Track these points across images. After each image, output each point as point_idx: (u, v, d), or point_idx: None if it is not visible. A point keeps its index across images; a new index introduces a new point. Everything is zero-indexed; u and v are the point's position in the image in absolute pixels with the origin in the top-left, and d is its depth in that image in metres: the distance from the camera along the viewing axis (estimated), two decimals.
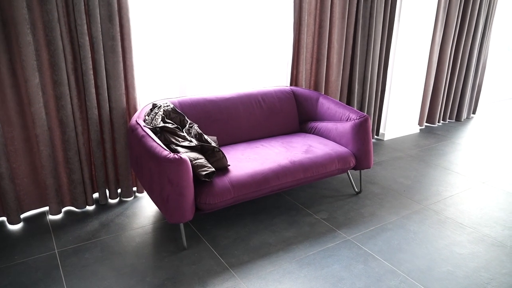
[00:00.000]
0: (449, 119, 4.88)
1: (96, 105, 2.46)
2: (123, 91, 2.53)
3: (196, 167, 2.14)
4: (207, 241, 2.27)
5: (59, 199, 2.51)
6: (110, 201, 2.72)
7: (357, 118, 2.69)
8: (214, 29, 3.02)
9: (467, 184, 3.04)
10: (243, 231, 2.38)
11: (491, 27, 4.69)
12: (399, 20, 3.73)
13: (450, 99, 4.68)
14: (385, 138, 4.09)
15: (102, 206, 2.65)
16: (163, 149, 2.03)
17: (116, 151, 2.63)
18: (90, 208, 2.62)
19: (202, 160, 2.19)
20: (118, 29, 2.39)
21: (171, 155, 1.98)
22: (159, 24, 2.76)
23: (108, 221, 2.46)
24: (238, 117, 2.84)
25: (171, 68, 2.90)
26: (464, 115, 4.93)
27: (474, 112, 5.15)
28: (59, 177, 2.48)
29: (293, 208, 2.65)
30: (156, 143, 2.10)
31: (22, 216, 2.49)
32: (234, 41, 3.16)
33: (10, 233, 2.31)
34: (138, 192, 2.83)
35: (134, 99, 2.61)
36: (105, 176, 2.66)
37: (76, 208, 2.58)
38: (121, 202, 2.71)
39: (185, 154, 2.17)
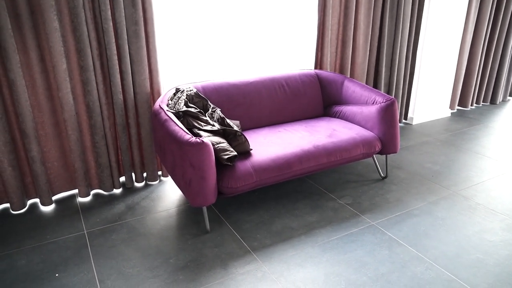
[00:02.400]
0: (483, 102, 4.67)
1: (121, 90, 2.50)
2: (147, 76, 2.55)
3: (218, 151, 2.14)
4: (230, 224, 2.29)
5: (88, 182, 2.58)
6: (136, 184, 2.78)
7: (384, 101, 2.62)
8: (238, 12, 2.98)
9: (499, 170, 2.91)
10: (266, 215, 2.38)
11: None
12: None
13: (485, 81, 4.47)
14: (414, 122, 3.96)
15: (129, 189, 2.71)
16: (185, 133, 2.04)
17: (141, 136, 2.68)
18: (117, 191, 2.69)
19: (224, 144, 2.19)
20: (141, 13, 2.39)
21: (193, 139, 1.99)
22: (183, 7, 2.75)
23: (134, 204, 2.52)
24: (261, 102, 2.82)
25: (194, 53, 2.89)
26: (500, 97, 4.70)
27: (510, 95, 4.90)
28: (86, 160, 2.55)
29: (316, 192, 2.62)
30: (178, 127, 2.12)
31: (53, 198, 2.58)
32: (258, 24, 3.11)
33: (42, 214, 2.40)
34: (163, 176, 2.88)
35: (158, 83, 2.63)
36: (131, 160, 2.72)
37: (104, 191, 2.65)
38: (146, 186, 2.76)
39: (207, 138, 2.18)
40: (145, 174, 2.83)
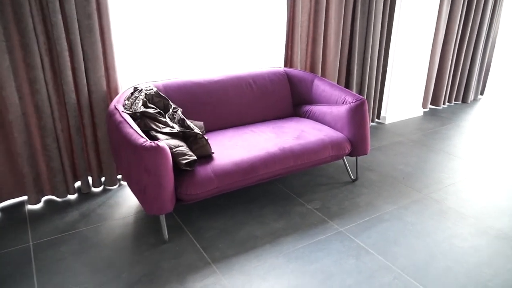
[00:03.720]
0: (455, 101, 4.66)
1: (73, 88, 2.32)
2: (103, 73, 2.38)
3: (176, 155, 1.99)
4: (191, 233, 2.15)
5: (38, 188, 2.39)
6: (94, 189, 2.60)
7: (353, 101, 2.52)
8: (204, 7, 2.83)
9: (471, 171, 2.87)
10: (231, 222, 2.25)
11: (501, 2, 4.42)
12: None
13: (457, 80, 4.45)
14: (387, 122, 3.91)
15: (85, 195, 2.53)
16: (139, 136, 1.89)
17: (98, 137, 2.50)
18: (72, 197, 2.50)
19: (183, 148, 2.04)
20: (94, 6, 2.21)
21: (148, 142, 1.84)
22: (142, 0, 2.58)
23: (89, 211, 2.34)
24: (228, 101, 2.68)
25: (157, 49, 2.73)
26: (471, 96, 4.71)
27: (482, 93, 4.92)
28: (37, 165, 2.36)
29: (285, 197, 2.51)
30: (132, 129, 1.96)
31: None
32: (225, 20, 2.97)
33: None
34: (123, 180, 2.71)
35: (115, 81, 2.46)
36: (87, 164, 2.53)
37: (57, 197, 2.47)
38: (105, 191, 2.59)
39: (165, 142, 2.03)
40: (103, 179, 2.65)
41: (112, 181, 2.61)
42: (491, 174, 2.82)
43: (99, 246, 2.03)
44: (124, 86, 2.56)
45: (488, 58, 4.73)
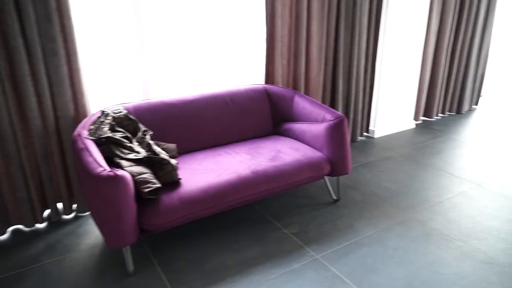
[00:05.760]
0: (448, 111, 4.54)
1: (38, 114, 2.24)
2: (70, 97, 2.30)
3: (138, 183, 1.90)
4: (159, 264, 2.04)
5: (3, 218, 2.30)
6: (65, 217, 2.51)
7: (332, 119, 2.42)
8: (178, 24, 2.76)
9: (460, 187, 2.74)
10: (203, 250, 2.14)
11: (494, 10, 4.33)
12: (387, 7, 3.42)
13: (450, 91, 4.34)
14: (376, 136, 3.79)
15: (55, 223, 2.44)
16: (97, 165, 1.80)
17: (67, 164, 2.41)
18: (41, 226, 2.41)
19: (147, 175, 1.95)
20: (58, 29, 2.15)
21: (106, 172, 1.75)
22: (113, 20, 2.52)
23: (55, 241, 2.25)
24: (203, 121, 2.59)
25: (130, 70, 2.66)
26: (466, 107, 4.59)
27: (476, 104, 4.79)
28: (1, 195, 2.27)
29: (262, 221, 2.40)
30: (92, 158, 1.87)
31: None
32: (202, 36, 2.90)
33: None
34: (88, 211, 2.61)
35: (84, 106, 2.38)
36: (56, 191, 2.45)
37: (25, 226, 2.38)
38: (76, 218, 2.49)
39: (129, 168, 1.94)
40: (75, 205, 2.56)
41: (84, 208, 2.51)
42: (480, 191, 2.69)
43: (60, 282, 1.92)
44: (94, 110, 2.48)
45: (482, 68, 4.62)
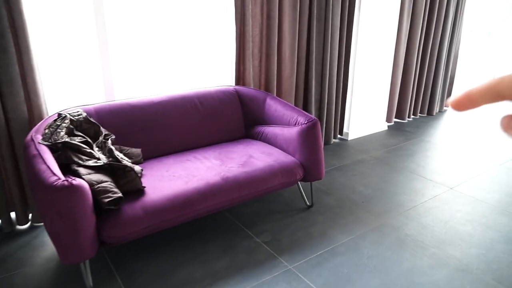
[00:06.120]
0: (420, 113, 4.57)
1: None
2: (23, 98, 2.12)
3: (98, 193, 1.75)
4: (121, 277, 1.90)
5: None
6: (19, 227, 2.31)
7: (305, 122, 2.33)
8: (144, 19, 2.61)
9: (433, 191, 2.73)
10: (169, 262, 2.01)
11: (462, 13, 4.38)
12: (359, 10, 3.38)
13: (421, 93, 4.36)
14: (349, 138, 3.75)
15: (7, 234, 2.25)
16: (51, 174, 1.64)
17: (20, 170, 2.22)
18: None
19: (107, 184, 1.80)
20: (7, 24, 1.96)
21: (60, 181, 1.59)
22: (72, 14, 2.34)
23: (7, 255, 2.06)
24: (170, 124, 2.45)
25: (92, 69, 2.49)
26: (436, 108, 4.63)
27: (447, 106, 4.85)
28: None
29: (232, 229, 2.29)
30: (46, 165, 1.70)
31: None
32: (170, 35, 2.76)
33: None
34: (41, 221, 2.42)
35: (39, 107, 2.20)
36: (8, 199, 2.25)
37: None
38: (32, 228, 2.31)
39: (87, 176, 1.78)
40: (30, 215, 2.37)
41: (40, 218, 2.33)
42: (453, 194, 2.68)
43: None
44: (52, 112, 2.30)
45: (451, 70, 4.68)
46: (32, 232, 2.27)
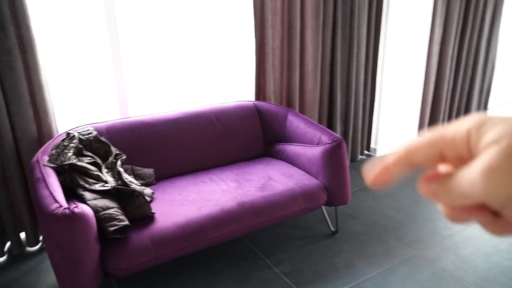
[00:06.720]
0: None
1: None
2: (32, 117, 2.03)
3: (103, 221, 1.62)
4: None
5: None
6: (29, 249, 2.22)
7: (329, 142, 2.15)
8: (160, 33, 2.50)
9: None
10: None
11: (500, 18, 4.08)
12: (387, 17, 3.17)
13: (455, 105, 4.08)
14: (377, 154, 3.52)
15: (17, 256, 2.16)
16: (53, 201, 1.52)
17: (30, 191, 2.13)
18: (0, 259, 2.13)
19: (113, 211, 1.67)
20: (14, 40, 1.88)
21: (61, 209, 1.47)
22: (84, 29, 2.26)
23: (12, 280, 1.96)
24: (184, 142, 2.32)
25: (106, 86, 2.39)
26: None
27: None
28: None
29: (249, 256, 2.11)
30: (48, 191, 1.59)
31: None
32: (187, 48, 2.64)
33: None
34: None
35: (49, 125, 2.11)
36: (17, 221, 2.17)
37: None
38: (41, 250, 2.21)
39: (92, 203, 1.66)
40: (41, 236, 2.28)
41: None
42: None
43: None
44: (61, 130, 2.21)
45: (488, 80, 4.37)
46: (40, 254, 2.17)
